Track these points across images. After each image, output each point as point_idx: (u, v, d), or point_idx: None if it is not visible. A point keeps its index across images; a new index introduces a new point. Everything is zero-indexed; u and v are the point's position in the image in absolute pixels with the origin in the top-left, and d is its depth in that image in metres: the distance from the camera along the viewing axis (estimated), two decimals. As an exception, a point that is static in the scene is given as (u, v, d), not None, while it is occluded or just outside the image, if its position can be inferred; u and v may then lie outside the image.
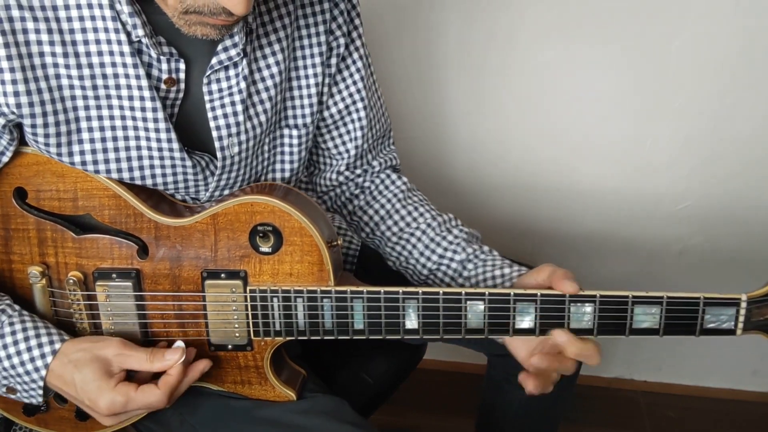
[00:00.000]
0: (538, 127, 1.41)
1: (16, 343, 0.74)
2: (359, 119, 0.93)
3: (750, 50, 1.28)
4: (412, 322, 0.77)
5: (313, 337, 0.79)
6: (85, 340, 0.76)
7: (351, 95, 0.91)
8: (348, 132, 0.94)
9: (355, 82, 0.91)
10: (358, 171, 0.97)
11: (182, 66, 0.76)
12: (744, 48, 1.28)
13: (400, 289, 0.76)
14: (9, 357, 0.74)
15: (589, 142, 1.41)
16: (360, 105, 0.92)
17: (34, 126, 0.72)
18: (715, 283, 1.50)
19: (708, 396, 1.64)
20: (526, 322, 0.76)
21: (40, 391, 0.76)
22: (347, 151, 0.95)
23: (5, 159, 0.76)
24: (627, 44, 1.31)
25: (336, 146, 0.95)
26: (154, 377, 0.75)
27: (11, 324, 0.75)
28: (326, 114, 0.91)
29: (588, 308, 0.76)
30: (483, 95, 1.40)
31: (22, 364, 0.74)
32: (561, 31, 1.32)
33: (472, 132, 1.44)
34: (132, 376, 0.76)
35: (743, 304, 0.75)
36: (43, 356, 0.74)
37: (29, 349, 0.74)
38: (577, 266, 1.52)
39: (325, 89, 0.89)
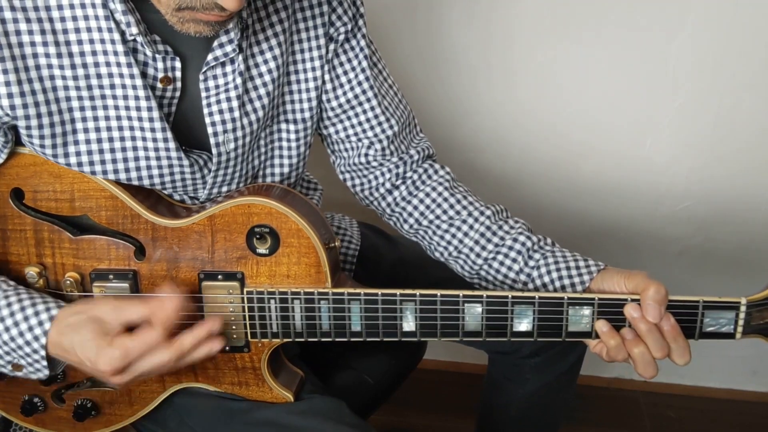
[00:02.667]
0: (538, 127, 1.41)
1: (12, 314, 0.73)
2: (372, 108, 0.90)
3: (750, 50, 1.28)
4: (409, 324, 0.77)
5: (310, 339, 0.79)
6: (78, 303, 0.74)
7: (360, 83, 0.89)
8: (365, 120, 0.91)
9: (363, 70, 0.89)
10: (394, 159, 0.94)
11: (178, 64, 0.76)
12: (744, 48, 1.28)
13: (398, 291, 0.76)
14: (7, 329, 0.73)
15: (589, 142, 1.40)
16: (370, 93, 0.90)
17: (29, 128, 0.72)
18: (715, 283, 1.50)
19: (708, 396, 1.64)
20: (524, 324, 0.76)
21: (44, 362, 0.74)
22: (367, 138, 0.92)
23: (0, 160, 0.76)
24: (627, 44, 1.31)
25: (356, 134, 0.92)
26: None
27: (6, 297, 0.74)
28: (335, 104, 0.90)
29: (586, 311, 0.75)
30: (483, 95, 1.40)
31: (21, 334, 0.73)
32: (561, 31, 1.31)
33: (472, 132, 1.43)
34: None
35: (743, 308, 0.74)
36: (40, 324, 0.72)
37: (26, 318, 0.73)
38: (577, 266, 1.52)
39: (323, 83, 0.88)
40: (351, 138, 0.93)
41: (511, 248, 0.88)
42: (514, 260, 0.87)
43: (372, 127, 0.91)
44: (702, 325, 0.75)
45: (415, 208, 0.94)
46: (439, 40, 1.35)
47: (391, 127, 0.92)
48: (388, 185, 0.95)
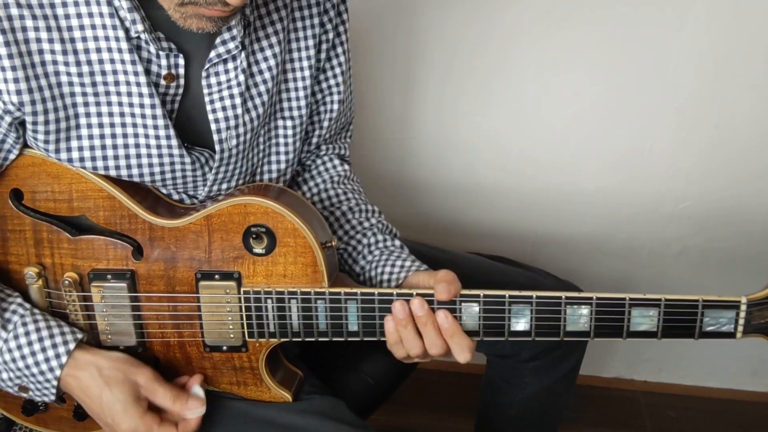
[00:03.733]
0: (538, 127, 1.40)
1: (30, 344, 0.75)
2: (331, 111, 0.94)
3: (750, 50, 1.28)
4: (406, 323, 0.77)
5: (307, 339, 0.79)
6: (120, 360, 0.77)
7: (329, 87, 0.92)
8: (318, 122, 0.94)
9: (335, 76, 0.92)
10: (306, 154, 0.98)
11: (181, 61, 0.76)
12: (744, 48, 1.27)
13: (395, 291, 0.76)
14: (23, 357, 0.75)
15: (589, 143, 1.40)
16: (336, 98, 0.93)
17: (35, 123, 0.73)
18: (715, 283, 1.50)
19: (708, 396, 1.64)
20: (521, 324, 0.76)
21: (54, 390, 0.76)
22: (311, 139, 0.95)
23: (12, 156, 0.76)
24: (627, 44, 1.30)
25: (306, 134, 0.95)
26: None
27: (24, 324, 0.76)
28: None
29: (584, 310, 0.75)
30: (482, 96, 1.39)
31: (37, 364, 0.75)
32: (561, 31, 1.31)
33: (472, 132, 1.43)
34: (154, 409, 0.77)
35: (743, 307, 0.74)
36: (57, 356, 0.75)
37: (43, 350, 0.75)
38: (578, 266, 1.53)
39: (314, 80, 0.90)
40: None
41: (359, 242, 0.90)
42: (359, 253, 0.90)
43: (321, 128, 0.94)
44: (702, 325, 0.75)
45: (303, 194, 0.96)
46: (439, 40, 1.35)
47: (330, 131, 0.96)
48: (291, 171, 0.98)
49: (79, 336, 0.77)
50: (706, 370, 1.62)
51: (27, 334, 0.75)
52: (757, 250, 1.45)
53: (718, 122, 1.35)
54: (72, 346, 0.76)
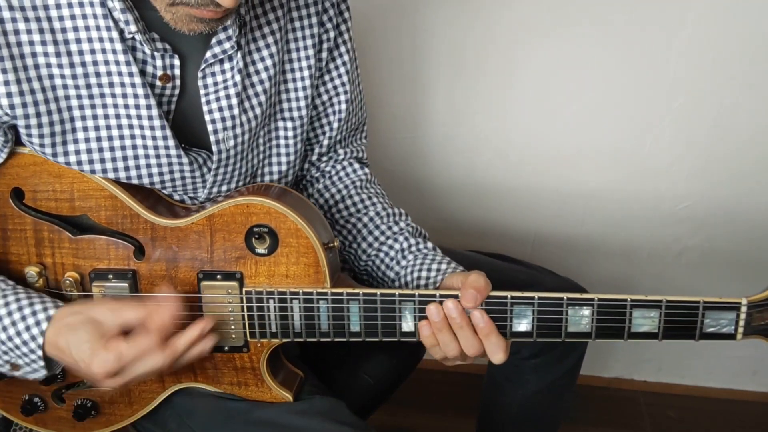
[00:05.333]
0: (537, 127, 1.41)
1: (10, 314, 0.73)
2: (339, 111, 0.93)
3: (750, 50, 1.28)
4: (408, 324, 0.77)
5: (309, 339, 0.79)
6: (77, 303, 0.75)
7: (335, 87, 0.92)
8: (328, 123, 0.94)
9: (340, 75, 0.91)
10: (324, 158, 0.97)
11: (176, 62, 0.76)
12: (744, 48, 1.28)
13: (397, 291, 0.76)
14: (5, 329, 0.73)
15: (588, 142, 1.40)
16: (343, 97, 0.92)
17: (28, 127, 0.72)
18: (715, 283, 1.50)
19: (708, 396, 1.64)
20: (523, 324, 0.76)
21: (41, 363, 0.74)
22: (322, 141, 0.95)
23: None
24: (627, 44, 1.31)
25: (316, 136, 0.95)
26: None
27: (4, 296, 0.74)
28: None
29: (586, 311, 0.75)
30: (483, 95, 1.39)
31: (18, 334, 0.73)
32: (561, 31, 1.31)
33: (472, 132, 1.43)
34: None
35: (743, 308, 0.74)
36: (38, 323, 0.72)
37: (23, 318, 0.73)
38: (578, 266, 1.53)
39: (317, 81, 0.90)
40: (311, 140, 0.95)
41: (391, 247, 0.90)
42: (392, 258, 0.89)
43: (331, 130, 0.94)
44: (702, 326, 0.75)
45: (326, 201, 0.96)
46: (439, 39, 1.35)
47: (341, 132, 0.95)
48: (308, 177, 0.98)
49: (60, 304, 0.75)
50: (706, 370, 1.63)
51: (7, 305, 0.73)
52: (757, 250, 1.45)
53: (718, 122, 1.35)
54: (52, 312, 0.73)
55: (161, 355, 0.70)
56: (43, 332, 0.72)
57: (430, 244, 0.90)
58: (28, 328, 0.73)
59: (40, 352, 0.73)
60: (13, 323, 0.73)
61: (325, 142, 0.95)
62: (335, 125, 0.94)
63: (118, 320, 0.71)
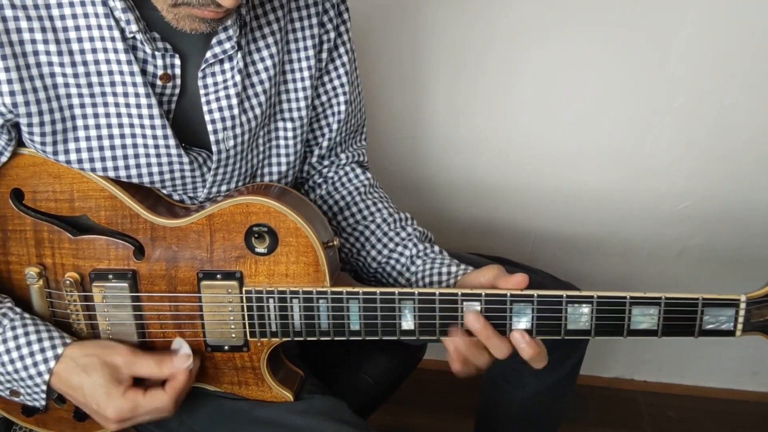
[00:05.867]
0: (537, 127, 1.41)
1: (18, 348, 0.75)
2: (339, 112, 0.93)
3: (750, 50, 1.28)
4: (408, 322, 0.77)
5: (309, 338, 0.79)
6: (92, 345, 0.77)
7: (334, 88, 0.92)
8: (328, 125, 0.94)
9: (339, 76, 0.91)
10: (326, 162, 0.97)
11: (177, 61, 0.76)
12: (744, 48, 1.28)
13: (396, 290, 0.76)
14: (12, 362, 0.75)
15: (588, 142, 1.40)
16: (342, 98, 0.92)
17: (30, 125, 0.72)
18: (715, 283, 1.50)
19: (708, 396, 1.64)
20: (522, 323, 0.76)
21: (44, 395, 0.76)
22: (321, 143, 0.95)
23: (3, 159, 0.76)
24: (627, 44, 1.31)
25: (315, 138, 0.95)
26: (162, 384, 0.76)
27: (13, 328, 0.75)
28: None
29: (585, 309, 0.75)
30: (482, 95, 1.39)
31: (25, 368, 0.75)
32: (561, 31, 1.31)
33: (472, 132, 1.43)
34: (140, 383, 0.76)
35: (742, 305, 0.74)
36: (45, 361, 0.75)
37: (32, 354, 0.75)
38: (577, 266, 1.53)
39: (316, 82, 0.90)
40: (309, 142, 0.95)
41: (401, 254, 0.90)
42: (403, 265, 0.90)
43: (330, 131, 0.94)
44: (702, 323, 0.75)
45: (330, 208, 0.96)
46: (439, 39, 1.35)
47: (340, 133, 0.95)
48: (311, 183, 0.98)
49: (68, 341, 0.77)
50: (706, 370, 1.62)
51: (15, 338, 0.75)
52: (757, 249, 1.45)
53: (718, 122, 1.35)
54: (60, 351, 0.75)
55: (172, 409, 0.75)
56: (50, 370, 0.75)
57: (437, 248, 0.91)
58: (35, 364, 0.75)
59: (44, 387, 0.75)
60: (21, 357, 0.75)
61: (325, 144, 0.95)
62: (334, 126, 0.94)
63: (133, 371, 0.75)
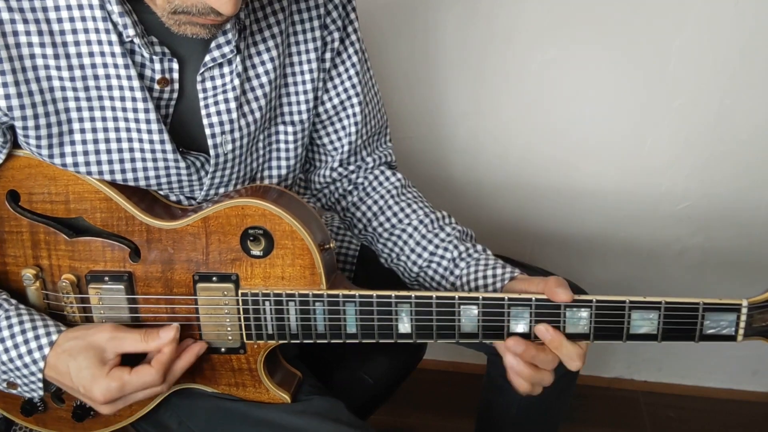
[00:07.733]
0: (537, 127, 1.40)
1: (13, 336, 0.74)
2: (354, 114, 0.91)
3: (750, 50, 1.27)
4: (405, 326, 0.77)
5: (305, 341, 0.79)
6: (78, 329, 0.76)
7: (346, 90, 0.90)
8: (343, 128, 0.92)
9: (350, 77, 0.90)
10: (352, 167, 0.96)
11: (175, 65, 0.75)
12: (744, 48, 1.27)
13: (393, 293, 0.76)
14: (7, 351, 0.74)
15: (589, 142, 1.40)
16: (355, 100, 0.91)
17: (25, 128, 0.72)
18: (715, 282, 1.50)
19: (708, 396, 1.64)
20: (520, 326, 0.76)
21: (40, 384, 0.76)
22: (341, 147, 0.93)
23: None
24: (627, 44, 1.30)
25: (331, 142, 0.94)
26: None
27: (8, 318, 0.75)
28: (321, 109, 0.91)
29: (584, 313, 0.75)
30: (482, 95, 1.39)
31: (20, 357, 0.74)
32: (561, 31, 1.31)
33: (472, 132, 1.43)
34: (132, 363, 0.75)
35: (744, 310, 0.73)
36: (40, 348, 0.74)
37: (26, 342, 0.74)
38: (577, 267, 1.53)
39: (320, 84, 0.89)
40: (327, 146, 0.94)
41: (442, 257, 0.89)
42: (446, 268, 0.89)
43: (348, 135, 0.93)
44: (702, 328, 0.74)
45: (363, 214, 0.95)
46: (439, 40, 1.35)
47: (361, 136, 0.94)
48: (341, 190, 0.97)
49: (63, 328, 0.76)
50: (706, 370, 1.62)
51: (10, 327, 0.75)
52: (757, 250, 1.44)
53: (718, 122, 1.35)
54: (55, 337, 0.74)
55: (162, 385, 0.74)
56: (44, 356, 0.74)
57: (479, 247, 0.89)
58: (30, 352, 0.74)
59: (40, 375, 0.75)
60: (16, 345, 0.74)
61: (346, 148, 0.93)
62: (353, 129, 0.92)
63: (118, 348, 0.74)
